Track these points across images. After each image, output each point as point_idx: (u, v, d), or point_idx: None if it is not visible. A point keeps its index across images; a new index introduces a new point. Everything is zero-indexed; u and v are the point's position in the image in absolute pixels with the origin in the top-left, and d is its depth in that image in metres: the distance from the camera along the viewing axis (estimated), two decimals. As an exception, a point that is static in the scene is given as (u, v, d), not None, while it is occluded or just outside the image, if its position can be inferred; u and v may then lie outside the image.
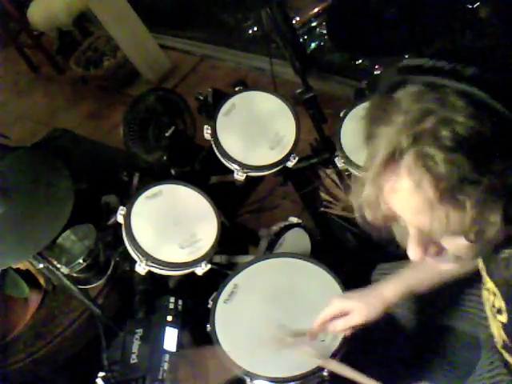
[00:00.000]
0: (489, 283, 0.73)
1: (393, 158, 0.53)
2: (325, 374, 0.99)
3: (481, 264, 0.74)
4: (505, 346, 0.75)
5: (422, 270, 0.93)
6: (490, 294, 0.73)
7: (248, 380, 1.00)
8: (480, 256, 0.63)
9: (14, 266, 1.44)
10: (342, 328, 0.95)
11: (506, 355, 0.76)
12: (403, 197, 0.55)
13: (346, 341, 1.01)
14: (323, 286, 1.12)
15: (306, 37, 2.45)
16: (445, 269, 0.64)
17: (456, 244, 0.58)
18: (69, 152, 2.05)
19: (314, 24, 2.44)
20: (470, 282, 0.98)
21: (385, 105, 0.55)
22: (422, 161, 0.51)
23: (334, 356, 0.99)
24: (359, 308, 0.93)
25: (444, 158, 0.50)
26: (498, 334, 0.75)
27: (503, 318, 0.71)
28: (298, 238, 1.41)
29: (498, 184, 0.51)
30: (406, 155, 0.52)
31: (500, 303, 0.70)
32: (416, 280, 0.93)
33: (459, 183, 0.50)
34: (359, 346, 1.03)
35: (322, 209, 1.67)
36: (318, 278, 1.13)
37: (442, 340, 1.23)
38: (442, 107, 0.51)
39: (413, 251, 0.61)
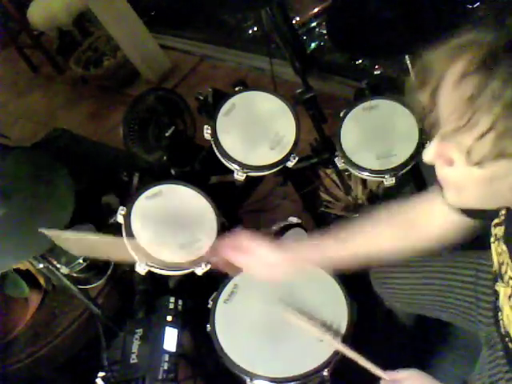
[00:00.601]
0: None
1: (472, 45, 0.54)
2: (325, 373, 0.99)
3: (504, 259, 0.73)
4: None
5: (342, 248, 0.88)
6: (510, 288, 0.71)
7: (248, 380, 1.00)
8: (480, 203, 0.62)
9: (15, 266, 1.44)
10: (236, 262, 0.90)
11: None
12: (448, 81, 0.55)
13: (345, 341, 1.01)
14: (323, 286, 1.12)
15: (305, 37, 2.45)
16: (446, 196, 0.64)
17: (463, 167, 0.57)
18: (69, 152, 2.05)
19: (313, 24, 2.45)
20: (468, 281, 0.98)
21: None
22: (489, 61, 0.51)
23: (333, 356, 0.99)
24: (265, 253, 0.88)
25: (506, 73, 0.50)
26: (510, 323, 0.74)
27: None
28: (297, 238, 1.40)
29: None
30: (477, 50, 0.53)
31: None
32: (336, 254, 0.88)
33: (497, 102, 0.50)
34: (358, 347, 1.03)
35: (322, 209, 1.67)
36: (318, 278, 1.13)
37: (442, 339, 1.24)
38: None
39: (429, 150, 0.61)
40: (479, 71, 0.52)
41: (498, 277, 0.76)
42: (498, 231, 0.73)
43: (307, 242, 0.94)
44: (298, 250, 0.93)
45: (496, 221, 0.74)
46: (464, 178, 0.59)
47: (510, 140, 0.52)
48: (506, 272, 0.72)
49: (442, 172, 0.62)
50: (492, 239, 0.75)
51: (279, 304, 1.04)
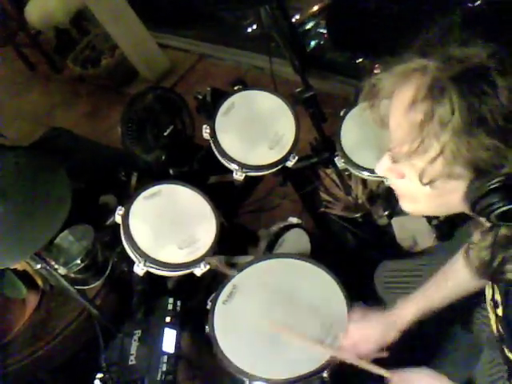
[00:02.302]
0: None
1: (418, 72, 0.57)
2: (325, 375, 0.98)
3: None
4: (501, 340, 0.75)
5: (442, 287, 0.92)
6: (490, 288, 0.74)
7: (247, 381, 0.99)
8: (425, 213, 0.71)
9: (12, 267, 1.43)
10: (363, 353, 0.93)
11: (506, 350, 0.75)
12: (397, 106, 0.59)
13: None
14: (323, 287, 1.11)
15: (305, 35, 2.44)
16: (401, 205, 0.68)
17: (413, 183, 0.61)
18: (67, 152, 2.04)
19: (313, 22, 2.43)
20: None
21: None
22: (435, 90, 0.54)
23: (333, 358, 0.98)
24: (377, 331, 0.92)
25: (451, 102, 0.53)
26: (496, 328, 0.75)
27: (500, 311, 0.72)
28: (297, 239, 1.40)
29: (473, 159, 0.54)
30: (422, 78, 0.56)
31: (498, 296, 0.71)
32: (434, 298, 0.92)
33: (445, 129, 0.54)
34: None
35: (322, 209, 1.66)
36: (318, 279, 1.12)
37: (444, 339, 1.23)
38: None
39: (381, 164, 0.67)
40: (427, 99, 0.55)
41: None
42: None
43: (407, 300, 0.95)
44: (402, 313, 0.94)
45: None
46: (416, 191, 0.63)
47: (458, 164, 0.56)
48: None
49: (395, 184, 0.67)
50: None
51: (271, 321, 1.03)
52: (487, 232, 0.64)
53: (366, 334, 0.93)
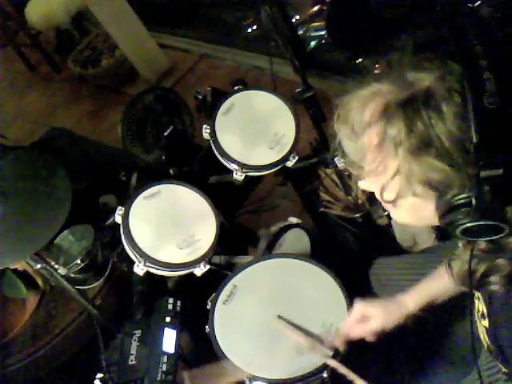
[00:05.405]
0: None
1: (374, 96, 0.60)
2: (325, 375, 0.98)
3: None
4: (490, 352, 0.76)
5: (442, 281, 0.93)
6: (476, 299, 0.74)
7: (247, 382, 0.99)
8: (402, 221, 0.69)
9: (12, 267, 1.43)
10: (361, 333, 0.96)
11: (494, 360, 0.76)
12: (358, 127, 0.62)
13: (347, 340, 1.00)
14: (323, 287, 1.11)
15: (305, 35, 2.44)
16: (391, 214, 0.70)
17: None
18: (67, 152, 2.04)
19: (313, 23, 2.43)
20: None
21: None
22: (387, 113, 0.57)
23: (334, 356, 0.98)
24: (380, 314, 0.94)
25: (399, 126, 0.55)
26: (483, 338, 0.75)
27: (486, 322, 0.72)
28: (297, 239, 1.40)
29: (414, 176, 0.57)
30: (381, 100, 0.59)
31: (483, 308, 0.72)
32: (436, 290, 0.95)
33: (398, 150, 0.56)
34: (359, 345, 1.02)
35: (322, 209, 1.66)
36: (318, 279, 1.12)
37: (442, 339, 1.23)
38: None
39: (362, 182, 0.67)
40: (380, 121, 0.57)
41: None
42: None
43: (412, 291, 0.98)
44: (404, 301, 0.97)
45: None
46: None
47: (415, 182, 0.58)
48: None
49: (378, 196, 0.67)
50: None
51: (275, 318, 1.05)
52: (467, 244, 0.65)
53: (369, 315, 0.95)
